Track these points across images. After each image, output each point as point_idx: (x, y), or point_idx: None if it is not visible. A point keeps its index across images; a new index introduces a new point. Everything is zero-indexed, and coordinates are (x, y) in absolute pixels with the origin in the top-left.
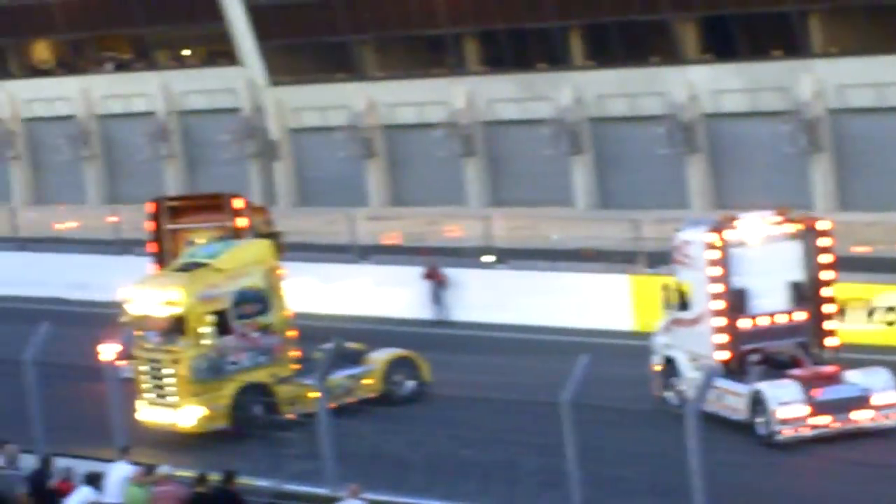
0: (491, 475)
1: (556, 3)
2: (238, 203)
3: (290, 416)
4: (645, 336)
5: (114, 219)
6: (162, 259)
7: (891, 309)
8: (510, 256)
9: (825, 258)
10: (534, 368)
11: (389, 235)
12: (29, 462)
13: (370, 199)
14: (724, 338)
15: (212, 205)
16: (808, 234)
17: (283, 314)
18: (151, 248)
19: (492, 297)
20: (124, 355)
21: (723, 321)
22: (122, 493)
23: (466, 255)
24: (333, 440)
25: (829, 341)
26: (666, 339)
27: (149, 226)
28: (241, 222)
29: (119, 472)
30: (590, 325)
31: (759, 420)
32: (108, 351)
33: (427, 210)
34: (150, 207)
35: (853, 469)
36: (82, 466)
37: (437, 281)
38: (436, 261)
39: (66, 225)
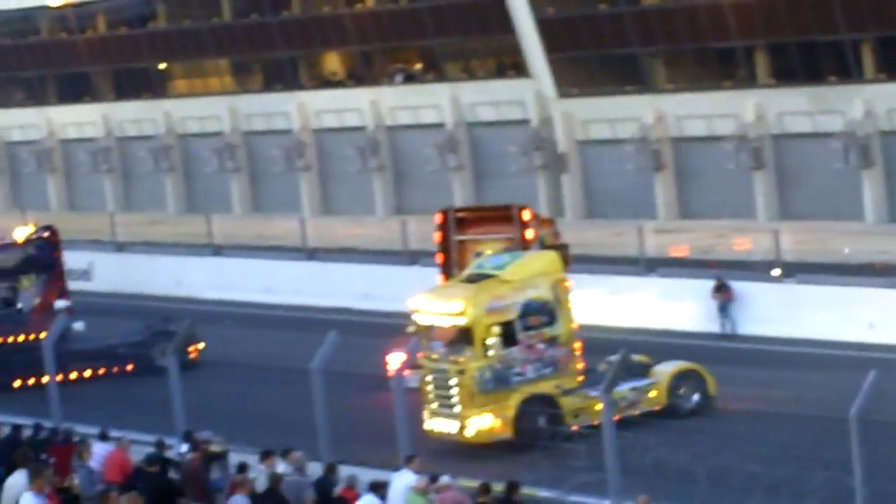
0: (776, 491)
1: (847, 16)
2: (526, 215)
3: (574, 427)
4: None
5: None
6: (449, 270)
7: None
8: (798, 270)
9: None
10: (822, 383)
11: (677, 248)
12: (315, 469)
13: (658, 211)
14: None
15: (500, 216)
16: None
17: (569, 326)
18: (439, 258)
19: (780, 312)
20: (410, 365)
21: None
22: (405, 502)
23: (754, 269)
24: (617, 452)
25: None
26: None
27: (437, 237)
28: (529, 234)
29: (403, 481)
30: (880, 341)
31: None
32: (394, 361)
33: (715, 223)
34: (438, 218)
35: None
36: (367, 475)
37: (724, 294)
38: (723, 274)
39: (353, 235)
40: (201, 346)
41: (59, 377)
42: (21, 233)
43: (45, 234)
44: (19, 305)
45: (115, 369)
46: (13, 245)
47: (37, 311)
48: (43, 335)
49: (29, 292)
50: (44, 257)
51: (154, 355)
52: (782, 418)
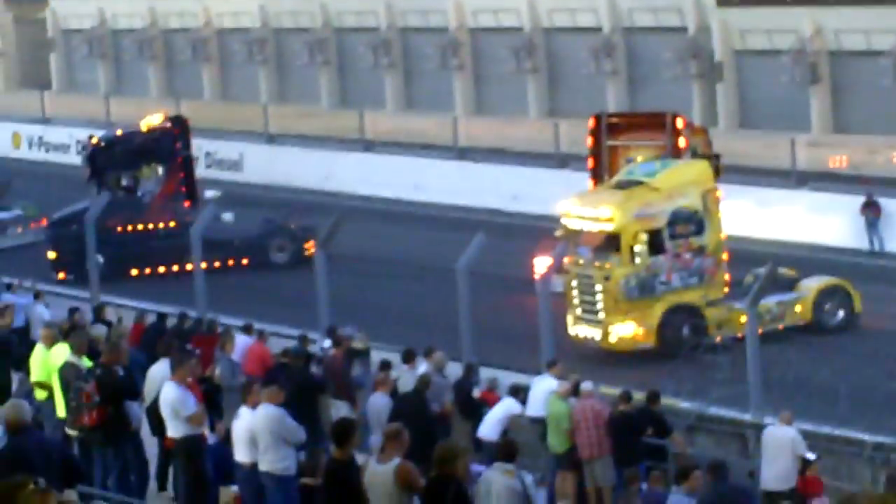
0: None
1: None
2: (679, 122)
3: (717, 339)
4: None
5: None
6: (599, 175)
7: None
8: None
9: None
10: None
11: (834, 158)
12: (455, 370)
13: (812, 124)
14: None
15: (652, 123)
16: None
17: (717, 236)
18: (589, 163)
19: None
20: (556, 269)
21: None
22: (545, 407)
23: None
24: (760, 366)
25: None
26: None
27: (588, 141)
28: (681, 142)
29: (543, 386)
30: None
31: None
32: (541, 264)
33: (869, 138)
34: (590, 123)
35: None
36: (507, 378)
37: (873, 210)
38: (873, 190)
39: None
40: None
41: (176, 267)
42: (148, 121)
43: (168, 125)
44: (139, 193)
45: (231, 263)
46: (136, 133)
47: (156, 200)
48: (161, 225)
49: (150, 181)
50: (165, 147)
51: (270, 251)
52: None
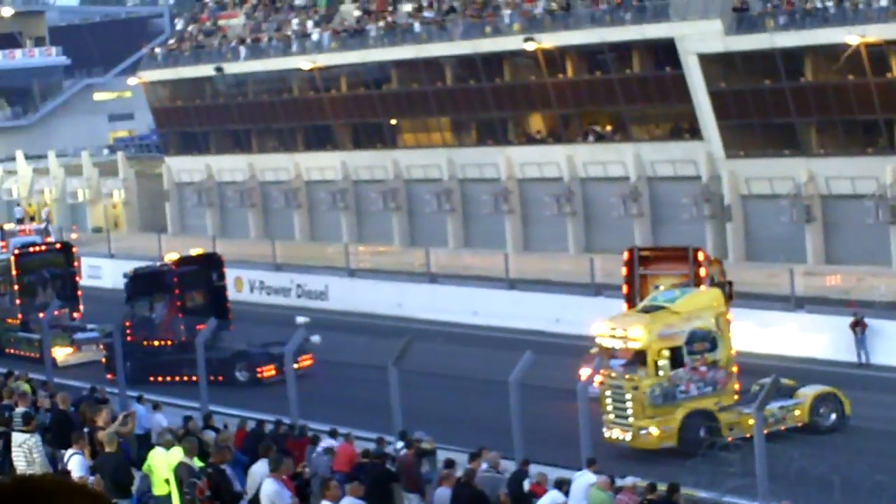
0: None
1: None
2: (700, 255)
3: (729, 438)
4: None
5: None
6: (632, 299)
7: None
8: None
9: None
10: None
11: (822, 288)
12: (508, 467)
13: (807, 257)
14: None
15: (677, 255)
16: None
17: (728, 352)
18: (624, 289)
19: None
20: (592, 379)
21: None
22: (586, 497)
23: (887, 308)
24: (766, 461)
25: None
26: None
27: (623, 271)
28: (702, 272)
29: (584, 480)
30: None
31: None
32: (584, 374)
33: (856, 268)
34: (625, 256)
35: None
36: (553, 473)
37: (861, 328)
38: (860, 311)
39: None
40: (307, 361)
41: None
42: (172, 257)
43: (171, 266)
44: (152, 315)
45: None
46: (165, 267)
47: (164, 322)
48: (169, 343)
49: (160, 307)
50: (197, 277)
51: (235, 370)
52: None
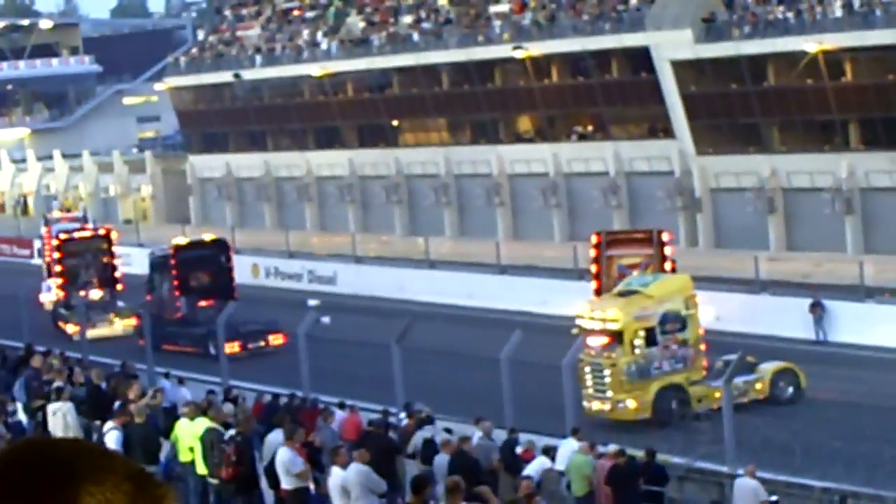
0: (855, 462)
1: None
2: (664, 237)
3: (698, 410)
4: None
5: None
6: (599, 278)
7: None
8: (879, 293)
9: None
10: (893, 381)
11: (784, 273)
12: (500, 435)
13: (770, 244)
14: None
15: (642, 238)
16: None
17: (696, 331)
18: (593, 269)
19: (861, 325)
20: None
21: None
22: (570, 462)
23: (843, 291)
24: (733, 430)
25: None
26: None
27: (592, 253)
28: (667, 251)
29: (569, 447)
30: None
31: None
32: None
33: (815, 255)
34: (594, 239)
35: None
36: (541, 441)
37: (818, 310)
38: (818, 294)
39: (536, 255)
40: (279, 340)
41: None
42: (176, 241)
43: (170, 251)
44: (149, 298)
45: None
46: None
47: (170, 299)
48: (178, 316)
49: (160, 288)
50: (210, 259)
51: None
52: (861, 407)
